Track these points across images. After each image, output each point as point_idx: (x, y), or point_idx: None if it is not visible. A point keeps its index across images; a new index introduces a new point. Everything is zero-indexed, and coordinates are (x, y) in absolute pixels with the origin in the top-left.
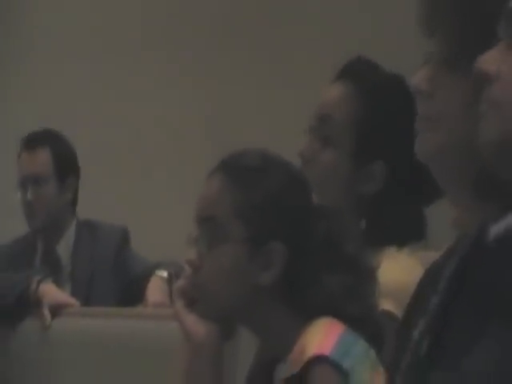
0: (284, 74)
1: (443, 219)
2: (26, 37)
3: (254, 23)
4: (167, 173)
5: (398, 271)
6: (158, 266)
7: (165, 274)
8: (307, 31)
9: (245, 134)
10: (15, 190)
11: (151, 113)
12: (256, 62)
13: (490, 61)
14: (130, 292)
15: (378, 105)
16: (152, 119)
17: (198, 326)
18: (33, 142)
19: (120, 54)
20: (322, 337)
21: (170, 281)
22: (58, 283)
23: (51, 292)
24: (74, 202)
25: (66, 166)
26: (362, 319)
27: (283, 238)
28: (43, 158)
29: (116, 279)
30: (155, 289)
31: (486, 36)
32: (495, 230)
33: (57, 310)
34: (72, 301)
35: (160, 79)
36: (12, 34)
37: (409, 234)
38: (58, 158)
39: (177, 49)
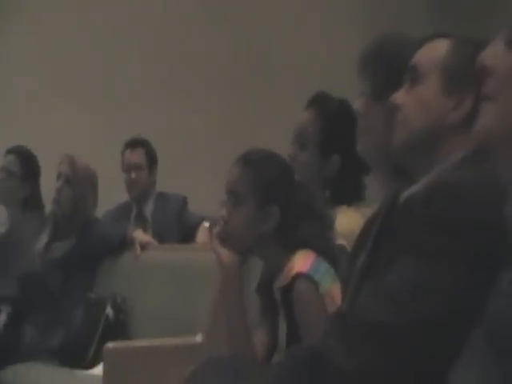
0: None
1: (375, 189)
2: None
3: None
4: (209, 162)
5: (348, 221)
6: (203, 219)
7: (207, 224)
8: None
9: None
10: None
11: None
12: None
13: (398, 97)
14: (186, 236)
15: (332, 122)
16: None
17: (226, 255)
18: (134, 144)
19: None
20: (302, 261)
21: (210, 228)
22: (144, 230)
23: (140, 235)
24: (154, 183)
25: (154, 161)
26: (325, 250)
27: (277, 203)
28: (141, 154)
29: (178, 228)
30: (202, 233)
31: (396, 81)
32: (404, 195)
33: (143, 246)
34: (153, 241)
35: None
36: None
37: (354, 197)
38: (150, 156)
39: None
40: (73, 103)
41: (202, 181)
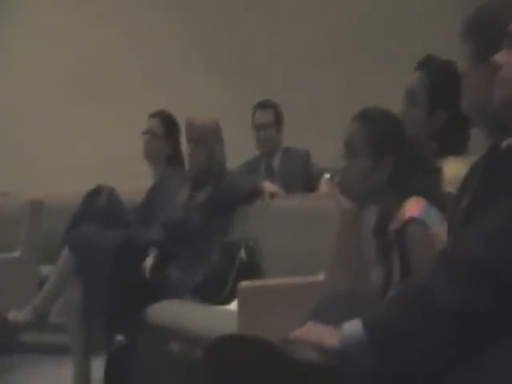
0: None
1: (479, 141)
2: None
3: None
4: (329, 120)
5: (454, 170)
6: (325, 170)
7: (328, 175)
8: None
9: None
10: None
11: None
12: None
13: (499, 57)
14: (310, 186)
15: (439, 82)
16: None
17: (345, 202)
18: (264, 105)
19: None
20: (413, 207)
21: (331, 179)
22: (272, 181)
23: (269, 186)
24: (281, 139)
25: (281, 120)
26: (435, 197)
27: (390, 155)
28: (270, 114)
29: (303, 179)
30: (324, 183)
31: (497, 45)
32: (505, 143)
33: (272, 195)
34: (280, 190)
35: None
36: None
37: (459, 149)
38: (277, 115)
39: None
40: (209, 72)
41: (323, 136)
